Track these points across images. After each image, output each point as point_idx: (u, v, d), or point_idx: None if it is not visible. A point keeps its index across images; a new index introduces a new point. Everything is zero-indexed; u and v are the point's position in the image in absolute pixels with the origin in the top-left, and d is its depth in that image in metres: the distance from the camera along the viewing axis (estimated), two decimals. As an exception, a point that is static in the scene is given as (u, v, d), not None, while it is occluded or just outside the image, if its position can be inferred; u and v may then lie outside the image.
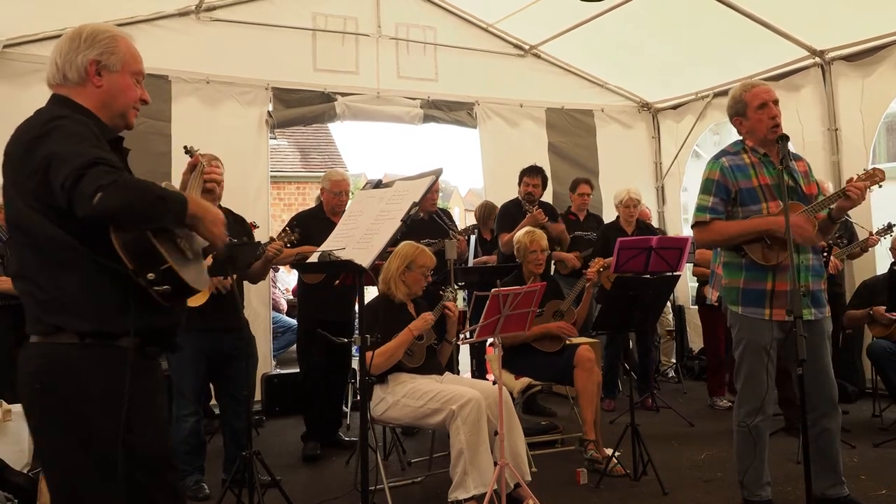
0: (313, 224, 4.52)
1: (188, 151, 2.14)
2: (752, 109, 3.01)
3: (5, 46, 5.14)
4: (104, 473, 1.70)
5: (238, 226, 3.96)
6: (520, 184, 5.69)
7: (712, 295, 3.23)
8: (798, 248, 2.93)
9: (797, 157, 3.18)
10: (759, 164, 3.01)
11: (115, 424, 1.70)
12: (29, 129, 1.75)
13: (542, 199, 5.80)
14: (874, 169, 3.02)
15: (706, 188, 3.05)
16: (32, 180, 1.68)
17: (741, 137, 3.14)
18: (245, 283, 4.12)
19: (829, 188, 5.11)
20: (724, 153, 3.10)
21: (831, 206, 2.96)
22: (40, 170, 1.67)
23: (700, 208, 3.05)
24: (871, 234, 5.03)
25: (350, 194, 5.08)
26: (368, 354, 3.15)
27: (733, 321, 3.08)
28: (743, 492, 3.12)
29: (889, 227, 4.86)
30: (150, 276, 1.69)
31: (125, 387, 1.72)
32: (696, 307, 7.27)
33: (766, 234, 2.90)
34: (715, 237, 3.04)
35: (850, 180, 2.96)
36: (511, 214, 5.55)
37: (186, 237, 1.85)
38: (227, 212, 3.97)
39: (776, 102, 3.03)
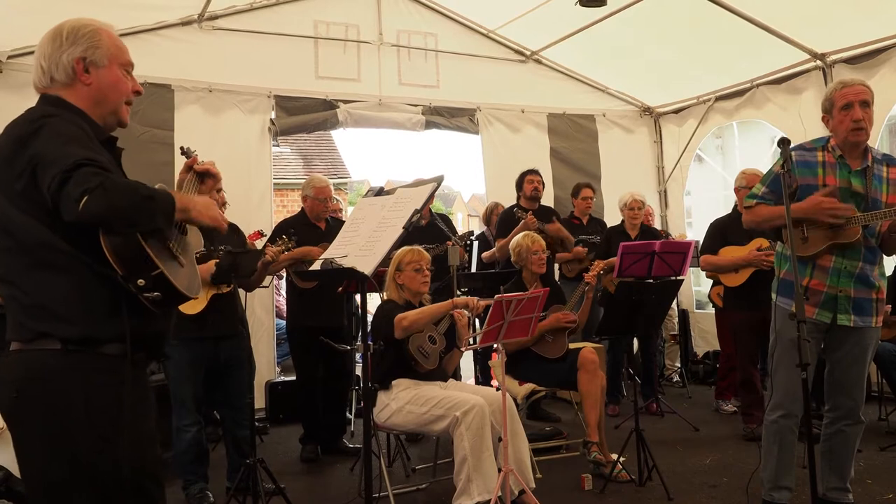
0: (298, 230, 4.55)
1: (185, 153, 2.09)
2: (837, 109, 2.97)
3: (9, 58, 5.17)
4: (87, 488, 1.64)
5: (233, 234, 3.96)
6: (522, 185, 5.70)
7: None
8: (845, 252, 2.90)
9: (893, 163, 3.06)
10: (832, 165, 2.97)
11: (100, 436, 1.63)
12: (16, 128, 1.68)
13: (542, 202, 5.81)
14: None
15: (764, 178, 3.12)
16: (20, 181, 1.63)
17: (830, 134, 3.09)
18: (247, 290, 4.12)
19: None
20: (799, 147, 3.08)
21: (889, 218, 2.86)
22: (27, 171, 1.61)
23: (750, 195, 3.12)
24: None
25: (335, 200, 5.10)
26: (409, 314, 3.15)
27: (774, 312, 3.08)
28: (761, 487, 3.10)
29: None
30: (141, 282, 1.64)
31: (112, 395, 1.66)
32: (703, 310, 7.33)
33: (803, 218, 2.89)
34: (756, 218, 3.08)
35: None
36: (510, 221, 5.56)
37: (179, 242, 1.81)
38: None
39: (864, 104, 2.96)
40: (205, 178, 1.99)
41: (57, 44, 1.79)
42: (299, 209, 4.96)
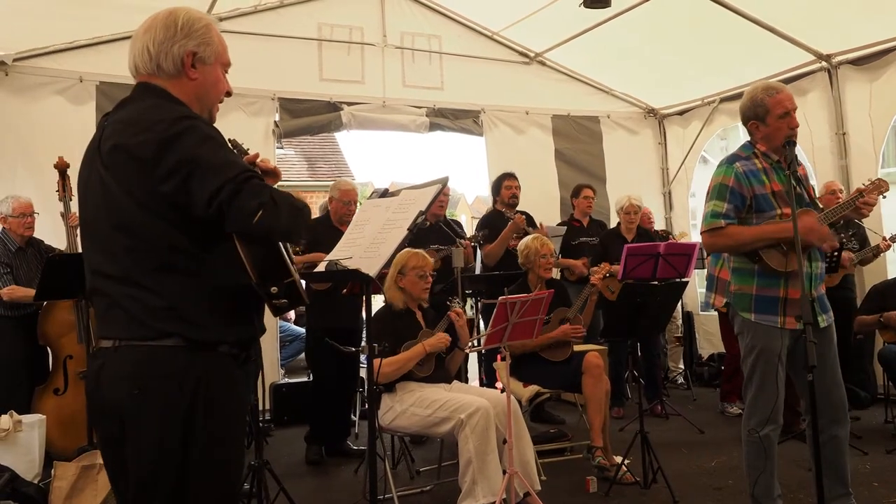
0: (322, 232, 4.55)
1: (235, 146, 1.99)
2: (774, 117, 2.92)
3: (15, 60, 5.19)
4: (217, 482, 1.63)
5: None
6: (500, 190, 5.67)
7: (716, 301, 3.17)
8: (811, 255, 2.89)
9: (798, 163, 3.10)
10: (770, 170, 2.94)
11: (225, 433, 1.64)
12: (151, 126, 1.60)
13: (547, 204, 5.80)
14: (879, 180, 2.98)
15: (720, 193, 2.95)
16: (167, 184, 1.56)
17: (750, 140, 3.06)
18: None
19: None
20: (736, 158, 3.01)
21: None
22: (178, 173, 1.55)
23: (714, 214, 2.94)
24: (883, 238, 5.01)
25: (357, 203, 5.09)
26: (376, 363, 3.15)
27: (744, 328, 3.00)
28: None
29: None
30: (274, 289, 1.64)
31: (232, 393, 1.67)
32: (707, 312, 7.31)
33: (783, 241, 2.84)
34: (730, 242, 2.94)
35: (864, 190, 2.91)
36: (494, 225, 5.54)
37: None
38: None
39: (796, 111, 2.96)
40: (267, 177, 1.90)
41: (171, 32, 1.72)
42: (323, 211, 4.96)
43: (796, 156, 2.86)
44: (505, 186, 5.64)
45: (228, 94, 1.87)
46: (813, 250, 2.92)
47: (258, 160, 1.89)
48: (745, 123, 3.06)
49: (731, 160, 3.02)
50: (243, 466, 1.82)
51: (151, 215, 1.60)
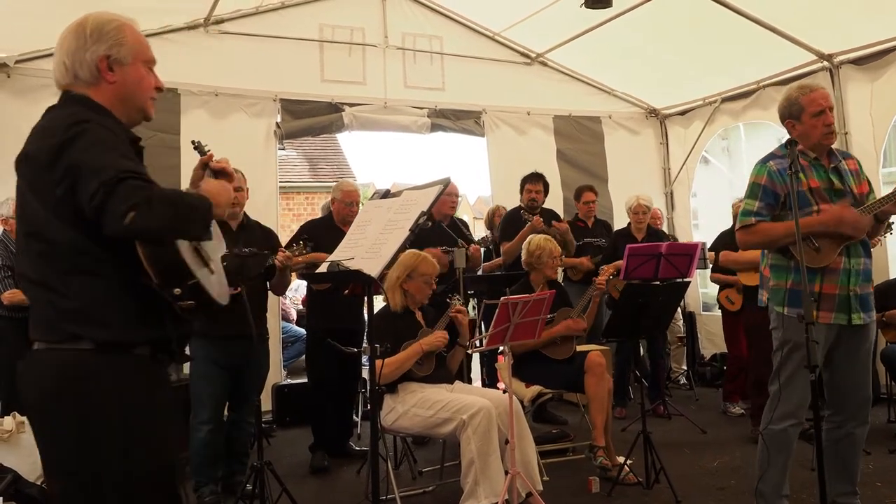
0: (323, 233, 4.55)
1: (197, 147, 2.00)
2: (808, 115, 2.95)
3: (17, 62, 5.20)
4: (120, 487, 1.63)
5: (264, 240, 3.99)
6: (522, 191, 5.70)
7: (763, 296, 3.18)
8: (850, 251, 2.90)
9: (847, 156, 3.13)
10: (808, 168, 2.95)
11: (134, 435, 1.63)
12: (52, 133, 1.62)
13: (550, 204, 5.79)
14: None
15: (752, 192, 3.01)
16: (60, 188, 1.58)
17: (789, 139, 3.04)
18: (268, 293, 4.15)
19: None
20: (772, 156, 3.05)
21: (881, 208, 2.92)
22: (67, 179, 1.57)
23: (745, 212, 3.01)
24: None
25: (360, 204, 5.10)
26: (378, 364, 3.16)
27: (778, 323, 3.02)
28: (759, 500, 3.06)
29: (888, 227, 4.80)
30: (177, 291, 1.64)
31: (145, 396, 1.67)
32: (709, 313, 7.30)
33: (813, 234, 2.86)
34: (761, 239, 3.00)
35: None
36: (515, 223, 5.54)
37: (207, 246, 1.79)
38: (257, 225, 4.07)
39: (832, 109, 2.99)
40: (219, 177, 1.91)
41: (81, 41, 1.73)
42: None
43: (797, 155, 2.83)
44: (526, 190, 5.64)
45: (159, 89, 1.87)
46: (854, 246, 2.92)
47: (212, 161, 1.88)
48: (782, 122, 3.08)
49: (766, 159, 3.06)
50: (176, 465, 1.79)
51: (58, 219, 1.62)
